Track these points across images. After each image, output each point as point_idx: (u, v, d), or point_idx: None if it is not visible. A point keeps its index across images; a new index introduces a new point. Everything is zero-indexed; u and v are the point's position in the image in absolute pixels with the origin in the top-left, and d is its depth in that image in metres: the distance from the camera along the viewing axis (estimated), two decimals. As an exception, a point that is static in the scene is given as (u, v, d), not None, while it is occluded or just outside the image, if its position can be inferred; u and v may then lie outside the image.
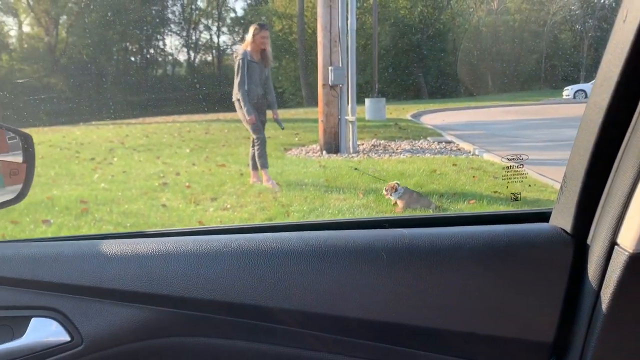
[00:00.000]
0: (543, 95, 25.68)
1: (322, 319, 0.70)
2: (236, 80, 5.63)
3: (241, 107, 5.64)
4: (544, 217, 0.84)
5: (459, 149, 8.16)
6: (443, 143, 8.85)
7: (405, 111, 18.40)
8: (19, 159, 1.02)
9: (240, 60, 5.60)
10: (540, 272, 0.73)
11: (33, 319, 0.72)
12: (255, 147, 5.76)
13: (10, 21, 35.59)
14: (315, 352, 0.72)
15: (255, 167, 5.81)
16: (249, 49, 5.62)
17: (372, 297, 0.69)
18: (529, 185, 5.07)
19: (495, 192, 4.85)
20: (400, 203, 4.44)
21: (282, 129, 6.19)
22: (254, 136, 5.76)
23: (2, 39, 35.25)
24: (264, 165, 5.71)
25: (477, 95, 33.69)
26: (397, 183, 4.51)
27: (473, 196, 4.78)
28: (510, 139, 9.87)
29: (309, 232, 0.79)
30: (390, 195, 4.47)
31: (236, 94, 5.67)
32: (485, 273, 0.71)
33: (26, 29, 37.23)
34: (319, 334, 0.71)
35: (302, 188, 5.40)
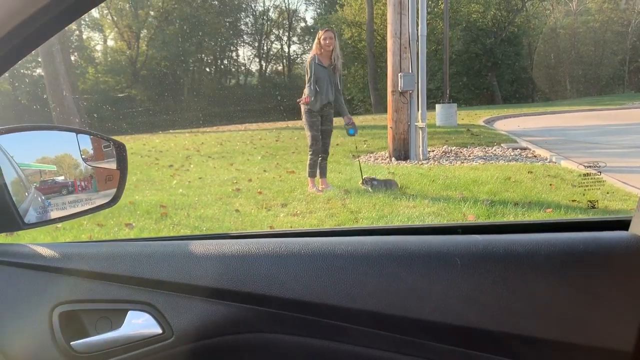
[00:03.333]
0: (627, 99, 24.19)
1: (396, 321, 0.71)
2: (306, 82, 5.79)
3: (307, 111, 5.71)
4: (624, 225, 0.81)
5: (535, 156, 7.87)
6: (518, 150, 8.57)
7: (477, 117, 17.93)
8: (113, 165, 1.11)
9: (309, 63, 5.76)
10: (619, 280, 0.71)
11: (129, 312, 0.79)
12: (308, 156, 5.86)
13: (96, 36, 38.06)
14: (388, 352, 0.74)
15: (322, 175, 5.92)
16: (317, 53, 5.73)
17: (446, 301, 0.70)
18: (608, 193, 4.81)
19: (573, 200, 4.64)
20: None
21: (351, 135, 6.08)
22: (310, 145, 5.82)
23: (90, 53, 37.76)
24: (311, 175, 5.86)
25: (554, 99, 32.35)
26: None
27: (550, 205, 4.59)
28: (590, 145, 9.40)
29: (382, 236, 0.82)
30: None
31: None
32: (561, 281, 0.70)
33: (110, 43, 39.67)
34: (392, 335, 0.73)
35: (370, 195, 5.41)
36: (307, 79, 5.76)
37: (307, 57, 5.94)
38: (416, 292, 0.71)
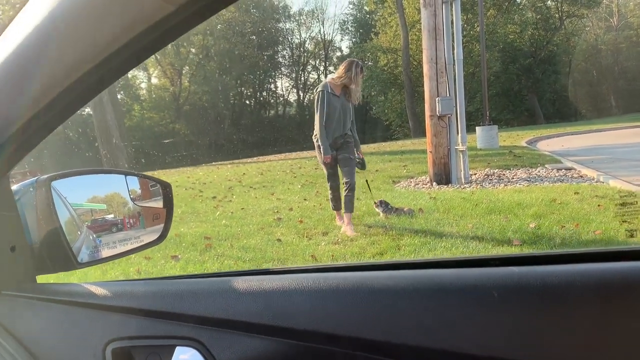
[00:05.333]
0: (677, 113, 23.29)
1: (435, 354, 0.72)
2: (315, 116, 5.21)
3: (319, 146, 5.22)
4: None
5: (581, 176, 7.65)
6: (563, 170, 8.36)
7: (519, 138, 17.64)
8: (159, 204, 1.17)
9: (319, 94, 5.17)
10: None
11: (177, 348, 0.82)
12: (329, 192, 5.44)
13: (141, 75, 39.65)
14: None
15: (347, 209, 5.28)
16: (332, 82, 5.22)
17: (484, 334, 0.70)
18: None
19: (624, 221, 4.48)
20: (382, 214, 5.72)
21: (363, 169, 5.58)
22: (329, 184, 5.39)
23: (135, 91, 39.32)
24: (335, 208, 5.47)
25: (598, 117, 31.48)
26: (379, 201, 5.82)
27: (598, 226, 4.45)
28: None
29: (418, 270, 0.82)
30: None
31: (316, 132, 5.25)
32: (599, 314, 0.69)
33: (154, 80, 41.26)
34: None
35: (411, 221, 5.36)
36: (316, 111, 5.18)
37: (318, 86, 5.31)
38: (454, 325, 0.71)
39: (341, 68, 5.21)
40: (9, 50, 0.68)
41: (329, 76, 5.39)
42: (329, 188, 5.44)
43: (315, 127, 5.22)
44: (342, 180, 5.34)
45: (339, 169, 5.36)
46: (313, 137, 5.31)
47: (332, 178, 5.38)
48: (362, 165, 5.47)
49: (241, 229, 5.82)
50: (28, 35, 0.65)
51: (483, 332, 0.70)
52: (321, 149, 5.13)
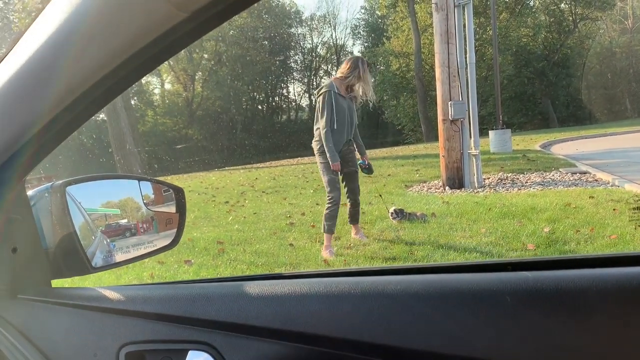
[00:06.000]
0: (694, 116, 22.98)
1: (447, 359, 0.71)
2: (320, 119, 4.57)
3: (322, 152, 4.59)
4: None
5: (596, 180, 7.57)
6: (577, 174, 8.28)
7: (533, 141, 17.50)
8: (172, 209, 1.18)
9: (326, 94, 4.53)
10: None
11: (190, 352, 0.82)
12: (326, 206, 4.66)
13: (154, 80, 39.99)
14: None
15: (354, 221, 5.05)
16: (337, 81, 4.64)
17: (498, 340, 0.70)
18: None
19: (640, 225, 4.43)
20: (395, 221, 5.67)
21: (370, 174, 5.13)
22: (328, 192, 4.59)
23: (148, 97, 39.63)
24: (330, 230, 4.63)
25: (613, 120, 31.13)
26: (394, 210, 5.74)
27: (614, 231, 4.39)
28: (656, 166, 8.95)
29: (431, 275, 0.82)
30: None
31: (318, 136, 4.63)
32: (615, 319, 0.68)
33: (167, 86, 41.56)
34: None
35: (424, 226, 5.34)
36: (321, 114, 4.52)
37: (322, 86, 4.67)
38: (467, 330, 0.71)
39: (345, 67, 4.66)
40: (25, 57, 0.69)
41: (333, 75, 4.98)
42: (329, 201, 4.59)
43: (317, 133, 4.61)
44: (345, 195, 4.84)
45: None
46: (313, 142, 4.68)
47: (334, 184, 4.57)
48: (368, 171, 5.02)
49: (254, 233, 5.84)
50: (43, 43, 0.66)
51: (496, 337, 0.69)
52: (328, 156, 4.47)
